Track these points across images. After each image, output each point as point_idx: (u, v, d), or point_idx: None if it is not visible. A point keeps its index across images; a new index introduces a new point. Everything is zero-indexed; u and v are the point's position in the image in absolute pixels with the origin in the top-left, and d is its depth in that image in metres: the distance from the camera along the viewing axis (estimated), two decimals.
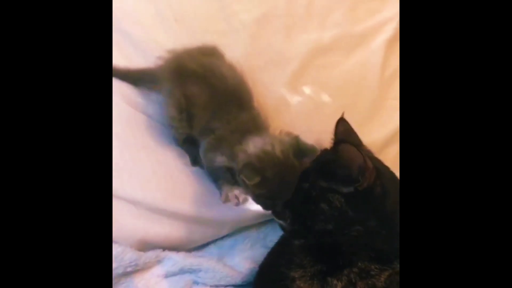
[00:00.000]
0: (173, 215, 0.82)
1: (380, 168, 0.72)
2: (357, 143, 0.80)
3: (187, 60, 0.78)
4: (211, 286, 0.79)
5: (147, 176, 0.82)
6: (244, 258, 0.83)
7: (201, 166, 0.84)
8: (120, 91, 0.85)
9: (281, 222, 0.73)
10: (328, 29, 0.98)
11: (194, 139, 0.80)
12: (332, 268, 0.64)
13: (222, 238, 0.87)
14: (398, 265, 0.62)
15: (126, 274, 0.76)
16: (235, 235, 0.87)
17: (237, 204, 0.80)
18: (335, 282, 0.62)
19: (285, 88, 0.93)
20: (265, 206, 0.71)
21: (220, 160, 0.74)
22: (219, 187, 0.82)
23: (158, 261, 0.79)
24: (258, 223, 0.88)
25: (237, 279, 0.80)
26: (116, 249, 0.75)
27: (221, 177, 0.80)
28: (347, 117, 0.83)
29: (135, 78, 0.86)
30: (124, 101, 0.85)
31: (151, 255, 0.78)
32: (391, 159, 0.86)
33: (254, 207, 0.79)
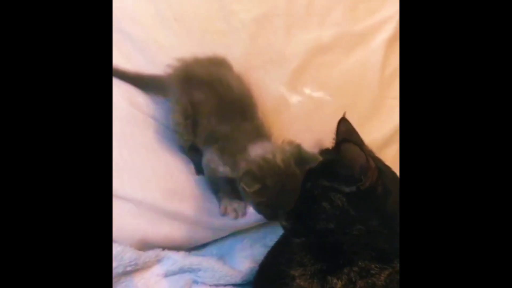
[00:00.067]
0: (173, 215, 0.82)
1: (382, 168, 0.72)
2: (359, 142, 0.80)
3: (196, 68, 0.80)
4: (210, 285, 0.79)
5: (147, 176, 0.82)
6: (244, 257, 0.83)
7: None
8: (120, 90, 0.85)
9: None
10: (328, 28, 0.98)
11: (198, 148, 0.81)
12: (332, 267, 0.64)
13: (222, 237, 0.87)
14: (398, 264, 0.63)
15: (126, 273, 0.76)
16: (235, 234, 0.87)
17: (236, 217, 0.81)
18: (335, 280, 0.62)
19: (285, 88, 0.93)
20: (266, 216, 0.72)
21: (223, 170, 0.74)
22: (219, 200, 0.83)
23: (158, 261, 0.79)
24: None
25: (237, 278, 0.79)
26: (116, 249, 0.75)
27: (222, 189, 0.81)
28: (346, 116, 0.84)
29: (144, 83, 0.87)
30: (125, 101, 0.85)
31: (151, 254, 0.78)
32: (391, 158, 0.86)
33: (255, 217, 0.80)
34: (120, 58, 0.87)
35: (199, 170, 0.84)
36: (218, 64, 0.82)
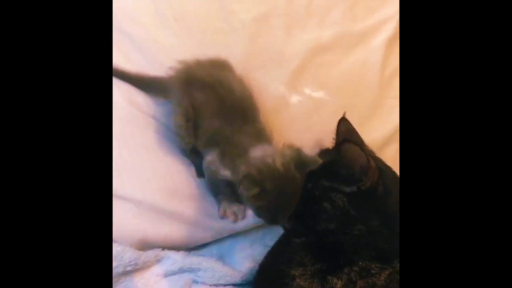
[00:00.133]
0: (173, 215, 0.82)
1: (383, 168, 0.72)
2: (359, 142, 0.80)
3: (197, 70, 0.79)
4: (210, 285, 0.79)
5: (147, 176, 0.82)
6: (244, 257, 0.83)
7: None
8: (120, 90, 0.85)
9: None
10: (328, 28, 0.98)
11: (199, 151, 0.81)
12: (332, 267, 0.64)
13: (222, 237, 0.87)
14: (398, 264, 0.63)
15: (126, 273, 0.76)
16: (235, 234, 0.87)
17: (235, 220, 0.81)
18: (335, 280, 0.62)
19: (284, 87, 0.93)
20: (266, 219, 0.72)
21: (224, 173, 0.74)
22: (218, 202, 0.83)
23: (158, 260, 0.79)
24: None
25: (237, 278, 0.80)
26: (116, 248, 0.75)
27: (221, 192, 0.81)
28: (346, 116, 0.84)
29: (145, 84, 0.87)
30: (125, 101, 0.85)
31: (150, 254, 0.78)
32: (391, 158, 0.86)
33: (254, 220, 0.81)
34: (120, 58, 0.87)
35: (200, 173, 0.84)
36: (220, 67, 0.82)
